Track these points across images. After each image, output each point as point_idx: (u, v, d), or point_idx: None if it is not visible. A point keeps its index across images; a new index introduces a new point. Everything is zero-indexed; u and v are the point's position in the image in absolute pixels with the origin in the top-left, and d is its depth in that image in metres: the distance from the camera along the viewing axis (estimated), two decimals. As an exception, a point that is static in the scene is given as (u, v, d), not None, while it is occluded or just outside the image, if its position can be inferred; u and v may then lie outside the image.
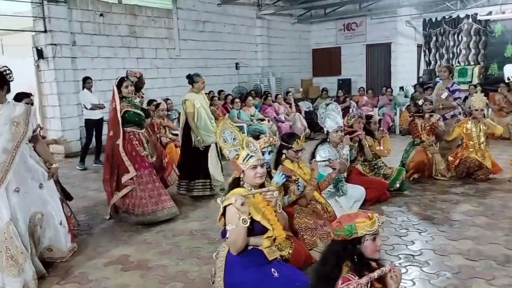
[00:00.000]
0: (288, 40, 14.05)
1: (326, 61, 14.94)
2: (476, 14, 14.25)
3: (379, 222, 1.94)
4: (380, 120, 10.52)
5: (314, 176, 3.69)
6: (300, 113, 10.67)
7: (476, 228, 4.04)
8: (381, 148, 5.44)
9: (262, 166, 2.67)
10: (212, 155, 5.48)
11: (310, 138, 9.29)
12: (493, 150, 6.62)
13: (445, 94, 6.24)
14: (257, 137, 3.22)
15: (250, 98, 9.70)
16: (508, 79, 12.95)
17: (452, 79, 6.48)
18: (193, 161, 5.43)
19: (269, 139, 3.19)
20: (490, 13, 14.15)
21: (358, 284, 1.81)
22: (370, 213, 1.98)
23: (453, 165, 5.87)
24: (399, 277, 1.95)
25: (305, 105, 11.73)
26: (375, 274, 1.89)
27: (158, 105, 7.45)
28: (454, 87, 6.28)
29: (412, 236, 3.93)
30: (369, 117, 5.63)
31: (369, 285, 1.87)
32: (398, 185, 5.26)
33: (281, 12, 13.50)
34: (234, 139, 2.77)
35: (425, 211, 4.64)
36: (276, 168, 3.59)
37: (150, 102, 7.58)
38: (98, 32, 9.09)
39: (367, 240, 1.92)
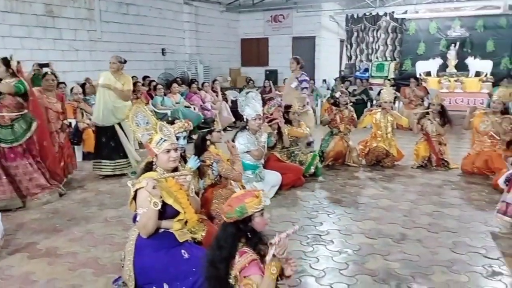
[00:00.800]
0: (216, 28, 14.01)
1: (255, 51, 15.13)
2: (393, 12, 15.20)
3: (265, 202, 2.06)
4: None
5: (234, 153, 3.79)
6: (227, 102, 10.75)
7: (379, 210, 4.40)
8: (301, 130, 5.68)
9: (175, 150, 2.70)
10: (120, 136, 5.66)
11: (236, 127, 9.40)
12: (401, 140, 7.19)
13: (294, 84, 6.54)
14: (171, 122, 3.24)
15: (175, 85, 9.58)
16: (420, 74, 14.04)
17: (302, 70, 6.85)
18: (107, 140, 5.62)
19: (183, 124, 3.23)
20: (405, 12, 15.15)
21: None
22: (256, 192, 2.10)
23: (363, 153, 6.29)
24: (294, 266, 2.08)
25: (232, 94, 11.81)
26: (289, 231, 2.00)
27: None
28: (302, 78, 6.61)
29: (321, 218, 4.19)
30: (288, 107, 5.84)
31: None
32: (313, 170, 5.55)
33: (209, 0, 13.41)
34: (147, 123, 2.77)
35: (336, 195, 4.95)
36: (200, 156, 3.59)
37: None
38: (10, 9, 8.45)
39: (256, 217, 2.04)
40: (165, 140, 2.64)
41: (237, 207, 2.03)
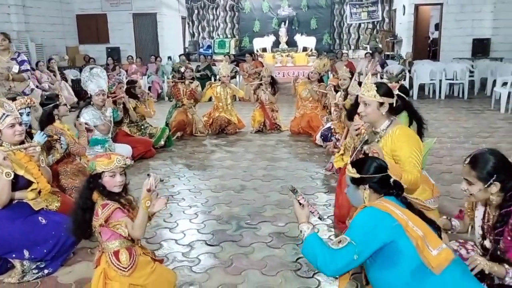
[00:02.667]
0: (47, 3, 12.94)
1: (93, 28, 14.41)
2: (229, -9, 16.09)
3: (117, 163, 2.31)
4: (149, 87, 11.06)
5: (80, 129, 3.94)
6: (67, 81, 10.24)
7: (223, 169, 5.02)
8: (148, 109, 5.96)
9: (20, 124, 2.79)
10: None
11: (79, 107, 9.08)
12: (243, 110, 7.99)
13: (16, 67, 5.41)
14: (14, 99, 3.25)
15: (4, 65, 8.75)
16: (257, 50, 15.25)
17: (15, 49, 5.82)
18: None
19: (26, 100, 3.26)
20: (240, -9, 16.17)
21: (152, 178, 2.22)
22: (113, 156, 2.38)
23: (208, 124, 6.87)
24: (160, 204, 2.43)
25: (72, 74, 11.25)
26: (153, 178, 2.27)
27: None
28: (20, 58, 5.54)
29: (173, 182, 4.62)
30: (133, 82, 6.03)
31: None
32: (163, 143, 5.91)
33: (35, -29, 12.28)
34: None
35: (185, 161, 5.42)
36: (43, 129, 3.63)
37: None
38: None
39: (106, 176, 2.33)
40: (7, 115, 2.72)
41: (90, 163, 2.31)
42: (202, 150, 5.96)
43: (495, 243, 1.99)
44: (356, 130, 3.03)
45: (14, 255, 2.69)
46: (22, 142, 2.82)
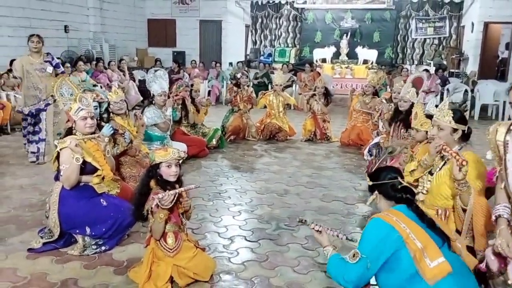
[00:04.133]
0: (122, 7, 13.93)
1: (162, 32, 15.30)
2: (293, 1, 16.32)
3: (173, 155, 2.62)
4: (209, 91, 11.57)
5: (141, 131, 4.34)
6: (134, 81, 10.97)
7: (269, 173, 5.24)
8: (198, 116, 6.34)
9: (92, 118, 3.20)
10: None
11: (142, 105, 9.71)
12: (296, 119, 8.19)
13: (50, 68, 5.43)
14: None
15: (80, 63, 9.58)
16: (317, 61, 15.37)
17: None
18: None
19: (92, 95, 3.69)
20: (305, 2, 16.36)
21: (167, 194, 2.53)
22: (170, 149, 2.69)
23: (260, 130, 7.14)
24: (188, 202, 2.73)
25: (139, 74, 12.01)
26: (182, 189, 2.63)
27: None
28: (55, 61, 5.56)
29: (221, 181, 4.91)
30: (191, 86, 6.45)
31: (175, 197, 2.61)
32: (215, 142, 6.26)
33: (115, -22, 13.28)
34: (71, 94, 3.25)
35: (235, 163, 5.71)
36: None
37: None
38: None
39: (163, 166, 2.63)
40: (82, 109, 3.13)
41: (150, 154, 2.64)
42: (251, 154, 6.22)
43: None
44: (437, 149, 2.73)
45: (77, 231, 3.08)
46: (92, 133, 3.22)
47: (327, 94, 7.13)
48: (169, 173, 2.64)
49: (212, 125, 6.80)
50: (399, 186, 2.16)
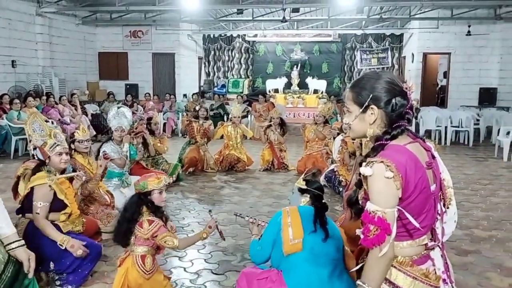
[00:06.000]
0: (72, 41, 13.74)
1: (113, 65, 15.18)
2: (245, 35, 16.83)
3: (165, 182, 2.76)
4: (164, 123, 11.54)
5: (99, 171, 4.28)
6: (87, 115, 10.75)
7: (231, 204, 5.30)
8: (161, 145, 6.34)
9: (66, 154, 3.20)
10: None
11: (97, 140, 9.52)
12: (253, 148, 8.34)
13: None
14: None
15: (30, 98, 9.30)
16: (269, 91, 15.79)
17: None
18: None
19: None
20: (256, 35, 16.92)
21: (160, 224, 2.68)
22: (160, 175, 2.81)
23: (218, 161, 7.20)
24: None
25: (91, 108, 11.80)
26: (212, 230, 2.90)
27: None
28: None
29: (183, 214, 4.90)
30: (149, 119, 6.45)
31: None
32: (174, 178, 6.22)
33: (64, 12, 13.13)
34: (42, 130, 3.22)
35: (196, 195, 5.72)
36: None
37: None
38: None
39: (155, 193, 2.71)
40: (58, 144, 3.15)
41: (141, 182, 2.67)
42: (212, 186, 6.26)
43: None
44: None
45: (40, 267, 2.98)
46: (64, 169, 3.21)
47: (282, 124, 7.35)
48: (161, 199, 2.77)
49: (169, 158, 6.81)
50: (323, 200, 2.58)
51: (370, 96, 1.51)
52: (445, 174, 1.63)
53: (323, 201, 2.59)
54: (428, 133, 10.83)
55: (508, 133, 8.61)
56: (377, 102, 1.51)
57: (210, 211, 3.03)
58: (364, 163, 1.49)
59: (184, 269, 3.50)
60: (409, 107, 1.53)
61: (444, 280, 1.56)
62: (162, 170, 6.13)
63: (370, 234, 1.42)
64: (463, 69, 13.15)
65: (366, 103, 1.52)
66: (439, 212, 1.60)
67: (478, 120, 10.83)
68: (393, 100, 1.51)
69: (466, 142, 10.42)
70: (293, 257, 2.39)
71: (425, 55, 13.67)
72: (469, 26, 12.45)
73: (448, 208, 1.61)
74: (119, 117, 5.10)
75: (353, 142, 5.11)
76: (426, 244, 1.54)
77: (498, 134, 9.29)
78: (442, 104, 14.14)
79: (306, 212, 2.52)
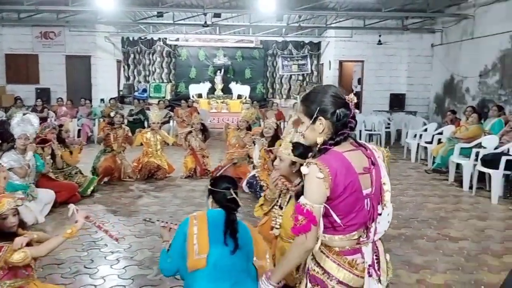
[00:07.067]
0: (-27, 41, 12.51)
1: (22, 68, 14.00)
2: (166, 38, 16.47)
3: (9, 206, 2.50)
4: (79, 130, 10.89)
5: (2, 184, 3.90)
6: (-10, 122, 9.81)
7: (149, 215, 5.07)
8: (71, 158, 5.94)
9: None
10: None
11: (1, 150, 8.72)
12: (175, 155, 8.14)
13: None
14: None
15: None
16: (193, 96, 15.59)
17: None
18: None
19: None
20: (177, 39, 16.62)
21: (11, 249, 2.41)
22: (4, 199, 2.55)
23: (137, 169, 6.92)
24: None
25: (-4, 114, 10.80)
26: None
27: None
28: None
29: (96, 228, 4.60)
30: (60, 126, 6.03)
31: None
32: (89, 192, 5.86)
33: (-38, 9, 11.92)
34: None
35: (111, 207, 5.43)
36: None
37: None
38: None
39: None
40: None
41: None
42: (129, 196, 5.99)
43: None
44: (273, 182, 3.08)
45: None
46: None
47: (204, 130, 7.25)
48: (6, 226, 2.50)
49: (83, 167, 6.42)
50: (228, 197, 2.44)
51: (318, 109, 1.73)
52: (385, 179, 1.79)
53: (230, 197, 2.44)
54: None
55: (415, 135, 9.27)
56: (324, 114, 1.73)
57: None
58: (305, 163, 1.72)
59: (95, 287, 3.27)
60: (352, 117, 1.74)
61: (369, 272, 1.75)
62: (76, 183, 5.76)
63: (298, 223, 1.66)
64: (375, 76, 13.96)
65: (315, 115, 1.73)
66: (380, 212, 1.80)
67: (389, 124, 11.57)
68: (338, 111, 1.72)
69: (378, 145, 11.04)
70: (196, 274, 2.29)
71: (341, 63, 14.32)
72: (379, 36, 13.25)
73: (383, 209, 1.79)
74: (24, 124, 4.73)
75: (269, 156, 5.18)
76: (358, 239, 1.76)
77: (406, 137, 9.99)
78: (357, 109, 14.91)
79: (215, 219, 2.40)
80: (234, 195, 2.46)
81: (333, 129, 1.73)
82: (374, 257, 1.80)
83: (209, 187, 2.54)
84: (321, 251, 1.78)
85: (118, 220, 4.86)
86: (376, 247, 1.84)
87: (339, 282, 1.74)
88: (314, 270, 1.79)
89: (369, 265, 1.76)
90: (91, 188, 5.89)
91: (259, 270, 2.42)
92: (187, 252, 2.31)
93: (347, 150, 1.72)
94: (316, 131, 1.76)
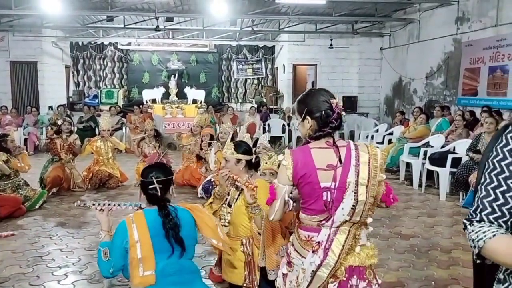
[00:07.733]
0: None
1: (-38, 74, 13.22)
2: (117, 43, 16.04)
3: None
4: (26, 139, 10.38)
5: None
6: None
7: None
8: (22, 164, 5.63)
9: None
10: None
11: None
12: (129, 162, 7.90)
13: None
14: None
15: None
16: (146, 101, 15.25)
17: None
18: None
19: None
20: (129, 44, 16.23)
21: None
22: None
23: (87, 178, 6.66)
24: None
25: None
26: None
27: None
28: None
29: (43, 242, 4.38)
30: (5, 136, 5.70)
31: None
32: (37, 207, 5.56)
33: None
34: None
35: (59, 219, 5.19)
36: None
37: None
38: None
39: None
40: None
41: None
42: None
43: None
44: (224, 177, 2.98)
45: None
46: None
47: (157, 136, 7.10)
48: None
49: (31, 178, 6.11)
50: (154, 191, 2.33)
51: (305, 109, 2.01)
52: (362, 173, 1.93)
53: (152, 186, 2.31)
54: (300, 138, 11.49)
55: (367, 136, 9.53)
56: (311, 114, 2.00)
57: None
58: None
59: (41, 306, 3.10)
60: (335, 118, 1.97)
61: (314, 250, 1.96)
62: (25, 197, 5.46)
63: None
64: (328, 79, 14.24)
65: (303, 115, 2.02)
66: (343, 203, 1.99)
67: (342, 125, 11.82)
68: (322, 112, 1.98)
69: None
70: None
71: (294, 66, 14.51)
72: (331, 40, 13.54)
73: (343, 202, 1.95)
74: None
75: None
76: (320, 222, 1.98)
77: (359, 138, 10.25)
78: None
79: (154, 222, 2.27)
80: (156, 183, 2.31)
81: (317, 126, 2.00)
82: (326, 240, 1.96)
83: (139, 179, 2.44)
84: (296, 226, 2.11)
85: (67, 233, 4.64)
86: (334, 233, 1.97)
87: (295, 250, 2.06)
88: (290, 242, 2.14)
89: (317, 242, 1.97)
90: (40, 202, 5.61)
91: (224, 248, 2.48)
92: (130, 263, 2.23)
93: (317, 147, 1.98)
94: (305, 127, 2.04)
